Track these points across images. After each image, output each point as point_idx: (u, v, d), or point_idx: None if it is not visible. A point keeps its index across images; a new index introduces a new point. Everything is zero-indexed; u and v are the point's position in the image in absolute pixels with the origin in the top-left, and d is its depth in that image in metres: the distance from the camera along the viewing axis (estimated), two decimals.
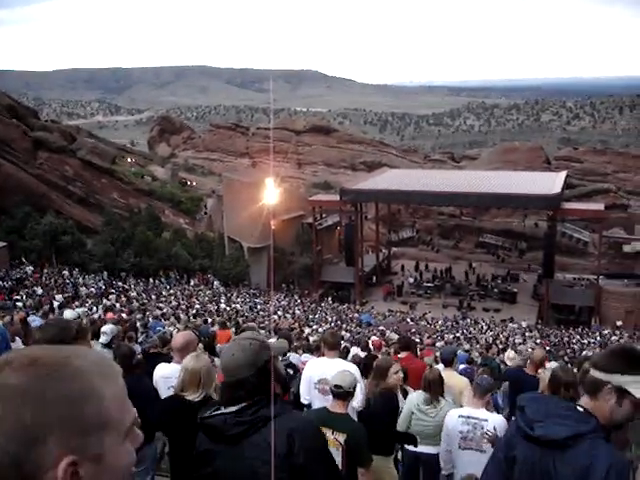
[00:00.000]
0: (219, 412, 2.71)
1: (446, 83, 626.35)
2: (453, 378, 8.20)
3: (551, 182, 50.40)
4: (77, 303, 24.75)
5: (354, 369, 6.29)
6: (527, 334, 39.03)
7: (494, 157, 77.98)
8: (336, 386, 5.07)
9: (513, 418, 3.41)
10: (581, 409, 2.70)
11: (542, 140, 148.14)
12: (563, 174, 55.07)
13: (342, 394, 5.07)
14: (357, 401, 5.91)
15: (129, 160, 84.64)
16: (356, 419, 5.78)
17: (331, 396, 5.24)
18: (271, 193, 49.41)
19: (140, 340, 13.57)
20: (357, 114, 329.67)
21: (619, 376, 2.58)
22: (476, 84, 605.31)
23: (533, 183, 50.38)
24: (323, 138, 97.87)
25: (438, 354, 14.04)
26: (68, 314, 15.17)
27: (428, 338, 28.45)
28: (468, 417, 6.14)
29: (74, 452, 1.09)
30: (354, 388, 5.18)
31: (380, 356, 10.05)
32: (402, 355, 9.49)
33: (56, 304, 22.04)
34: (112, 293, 34.10)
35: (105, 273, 44.97)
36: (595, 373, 2.66)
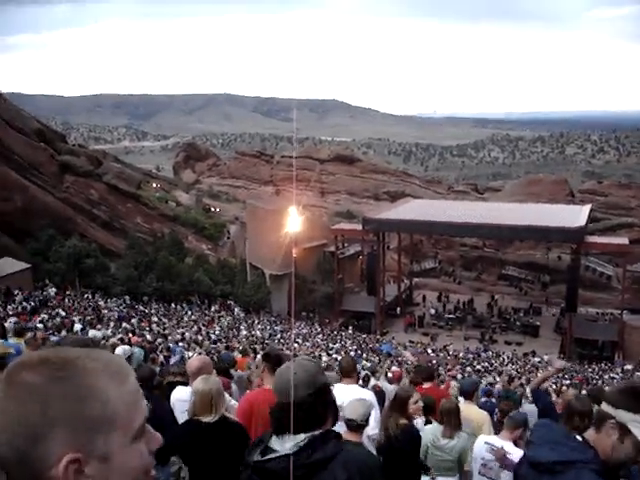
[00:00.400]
0: (276, 456, 2.58)
1: (471, 115, 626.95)
2: (472, 411, 8.08)
3: (575, 215, 50.12)
4: (99, 326, 24.87)
5: (369, 395, 6.25)
6: (550, 368, 38.57)
7: (518, 189, 77.85)
8: (349, 420, 5.05)
9: None
10: (580, 439, 2.71)
11: (566, 173, 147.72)
12: (587, 207, 54.74)
13: (354, 427, 5.05)
14: (371, 429, 5.86)
15: (154, 185, 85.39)
16: (372, 448, 5.73)
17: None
18: (294, 221, 49.51)
19: (174, 362, 13.65)
20: (381, 144, 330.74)
21: (624, 412, 2.56)
22: (501, 116, 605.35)
23: (557, 216, 50.13)
24: (347, 167, 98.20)
25: (453, 384, 13.87)
26: (93, 334, 15.31)
27: (449, 370, 28.26)
28: (492, 445, 6.10)
29: (78, 450, 1.10)
30: (367, 419, 5.15)
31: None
32: (426, 385, 9.21)
33: (77, 327, 22.16)
34: (134, 317, 34.26)
35: (127, 297, 45.19)
36: (604, 406, 2.65)
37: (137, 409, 1.22)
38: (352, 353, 34.90)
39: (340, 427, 5.54)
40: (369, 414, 5.17)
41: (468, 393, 8.41)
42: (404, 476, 5.84)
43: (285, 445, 2.60)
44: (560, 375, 32.50)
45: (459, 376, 24.26)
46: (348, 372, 6.68)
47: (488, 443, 6.20)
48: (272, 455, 2.59)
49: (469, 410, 7.97)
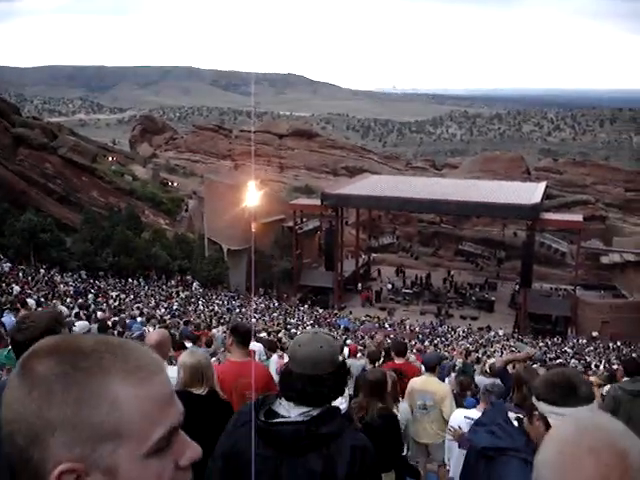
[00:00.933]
0: (285, 420, 2.56)
1: (429, 91, 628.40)
2: (435, 384, 8.16)
3: (531, 192, 50.72)
4: (55, 302, 24.60)
5: None
6: (504, 342, 39.22)
7: (475, 166, 78.40)
8: None
9: None
10: (517, 425, 2.73)
11: (523, 150, 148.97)
12: (543, 185, 55.40)
13: None
14: (338, 403, 5.86)
15: (110, 159, 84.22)
16: None
17: None
18: (252, 196, 49.33)
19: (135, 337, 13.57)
20: (340, 119, 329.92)
21: (543, 404, 2.55)
22: (459, 93, 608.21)
23: (513, 193, 50.67)
24: (305, 142, 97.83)
25: (412, 358, 13.99)
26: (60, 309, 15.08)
27: (416, 343, 28.59)
28: (473, 419, 6.17)
29: (80, 459, 0.97)
30: None
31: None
32: (399, 361, 9.21)
33: (31, 302, 21.86)
34: (90, 292, 33.94)
35: (84, 272, 44.69)
36: (533, 397, 2.63)
37: (158, 418, 1.04)
38: (309, 328, 35.11)
39: None
40: None
41: (431, 366, 8.42)
42: (386, 460, 5.89)
43: (291, 412, 2.60)
44: (507, 349, 33.10)
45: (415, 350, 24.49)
46: None
47: (468, 417, 6.28)
48: (281, 419, 2.58)
49: (431, 383, 8.08)
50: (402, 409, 6.98)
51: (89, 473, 0.97)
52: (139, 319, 21.41)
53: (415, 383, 8.12)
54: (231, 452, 2.67)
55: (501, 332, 44.23)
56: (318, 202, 53.32)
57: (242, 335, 5.55)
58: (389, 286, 55.34)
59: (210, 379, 4.77)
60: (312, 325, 37.35)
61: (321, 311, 48.43)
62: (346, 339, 27.03)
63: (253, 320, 34.61)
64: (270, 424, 2.56)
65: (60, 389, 0.97)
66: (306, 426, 2.53)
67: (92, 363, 1.00)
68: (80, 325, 9.81)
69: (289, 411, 2.61)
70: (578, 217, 52.18)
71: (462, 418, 6.35)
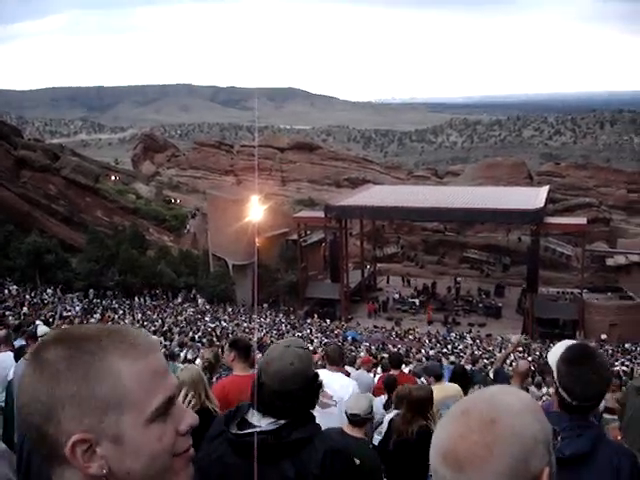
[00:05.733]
0: (255, 430, 2.55)
1: (428, 100, 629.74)
2: (450, 388, 8.08)
3: (534, 197, 50.68)
4: (61, 322, 24.62)
5: (353, 385, 6.27)
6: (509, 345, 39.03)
7: (477, 173, 78.34)
8: (352, 415, 5.01)
9: None
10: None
11: (524, 155, 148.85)
12: (545, 189, 55.36)
13: (359, 421, 5.04)
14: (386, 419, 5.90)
15: (113, 178, 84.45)
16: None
17: (331, 409, 5.26)
18: (255, 210, 49.37)
19: None
20: (340, 131, 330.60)
21: None
22: (458, 100, 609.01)
23: (516, 198, 50.65)
24: (307, 155, 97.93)
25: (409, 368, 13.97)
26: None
27: (418, 352, 28.51)
28: None
29: (88, 430, 1.08)
30: (371, 412, 5.16)
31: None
32: (394, 373, 9.38)
33: (39, 323, 21.87)
34: (96, 312, 33.98)
35: (91, 292, 44.74)
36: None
37: (155, 388, 1.16)
38: (316, 341, 35.07)
39: (325, 414, 5.60)
40: (371, 408, 5.16)
41: (437, 375, 8.34)
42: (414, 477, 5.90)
43: (263, 421, 2.61)
44: (520, 354, 32.98)
45: (424, 360, 24.46)
46: (333, 360, 6.65)
47: None
48: (251, 429, 2.58)
49: (447, 388, 8.03)
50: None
51: (99, 442, 1.09)
52: None
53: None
54: (203, 464, 2.65)
55: (513, 339, 44.02)
56: (322, 214, 53.28)
57: (242, 349, 5.58)
58: (395, 296, 55.23)
59: (196, 398, 4.71)
60: (320, 338, 37.27)
61: (329, 323, 48.37)
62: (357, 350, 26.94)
63: (260, 335, 34.56)
64: (239, 435, 2.59)
65: (67, 369, 1.09)
66: (275, 434, 2.55)
67: (94, 345, 1.12)
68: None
69: (260, 420, 2.62)
70: (582, 220, 52.12)
71: None
